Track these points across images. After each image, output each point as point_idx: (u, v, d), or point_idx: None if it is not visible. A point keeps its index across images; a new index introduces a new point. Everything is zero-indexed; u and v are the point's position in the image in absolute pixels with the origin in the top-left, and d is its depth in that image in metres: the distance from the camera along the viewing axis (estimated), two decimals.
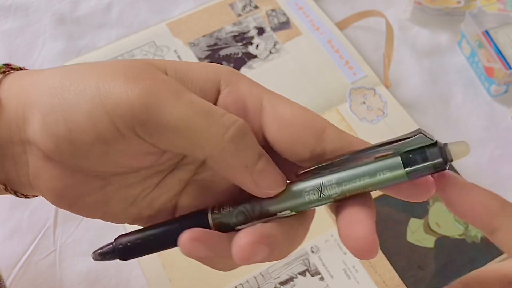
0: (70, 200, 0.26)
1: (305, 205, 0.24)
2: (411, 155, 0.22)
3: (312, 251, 0.42)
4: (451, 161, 0.22)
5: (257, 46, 0.56)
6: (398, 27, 0.57)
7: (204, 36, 0.57)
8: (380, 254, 0.42)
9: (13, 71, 0.27)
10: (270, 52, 0.55)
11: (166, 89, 0.23)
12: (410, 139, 0.22)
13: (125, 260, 0.26)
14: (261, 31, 0.57)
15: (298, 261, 0.42)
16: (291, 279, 0.41)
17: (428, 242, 0.43)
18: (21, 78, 0.26)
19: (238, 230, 0.24)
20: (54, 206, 0.45)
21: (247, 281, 0.41)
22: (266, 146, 0.25)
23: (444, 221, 0.43)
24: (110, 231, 0.45)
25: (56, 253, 0.44)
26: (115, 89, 0.22)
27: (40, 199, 0.46)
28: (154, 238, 0.26)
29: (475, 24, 0.51)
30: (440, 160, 0.22)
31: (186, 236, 0.23)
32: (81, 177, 0.25)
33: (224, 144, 0.23)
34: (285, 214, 0.24)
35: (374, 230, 0.23)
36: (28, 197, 0.28)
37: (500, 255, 0.42)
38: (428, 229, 0.43)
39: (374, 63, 0.54)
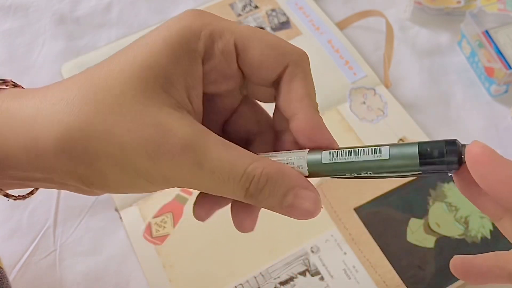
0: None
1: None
2: (428, 149, 0.23)
3: (312, 251, 0.42)
4: (465, 162, 0.23)
5: None
6: (398, 27, 0.57)
7: None
8: (380, 254, 0.42)
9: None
10: None
11: (187, 161, 0.24)
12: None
13: None
14: None
15: (298, 261, 0.42)
16: (291, 279, 0.41)
17: (428, 242, 0.43)
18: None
19: None
20: (54, 206, 0.46)
21: (247, 281, 0.41)
22: None
23: (444, 221, 0.43)
24: (110, 231, 0.45)
25: (56, 253, 0.44)
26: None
27: (40, 198, 0.46)
28: None
29: (475, 24, 0.51)
30: (454, 159, 0.22)
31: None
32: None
33: (247, 200, 0.25)
34: None
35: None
36: (25, 197, 0.29)
37: None
38: (428, 229, 0.43)
39: (374, 63, 0.54)
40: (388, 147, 0.24)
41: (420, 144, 0.23)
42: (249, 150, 0.26)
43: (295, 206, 0.25)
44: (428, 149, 0.23)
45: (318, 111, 0.27)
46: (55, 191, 0.46)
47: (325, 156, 0.25)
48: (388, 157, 0.23)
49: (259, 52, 0.26)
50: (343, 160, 0.25)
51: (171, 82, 0.24)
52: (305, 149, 0.26)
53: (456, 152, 0.22)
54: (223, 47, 0.26)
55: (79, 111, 0.23)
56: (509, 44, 0.50)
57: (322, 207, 0.25)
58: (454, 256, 0.26)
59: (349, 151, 0.25)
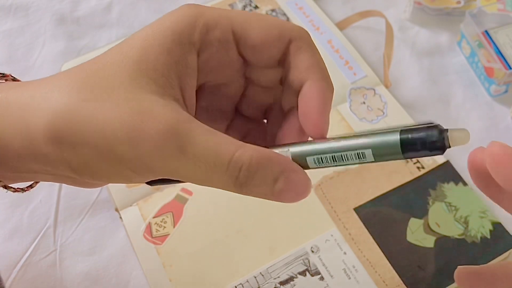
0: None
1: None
2: (410, 135, 0.22)
3: (312, 251, 0.42)
4: (449, 147, 0.22)
5: None
6: (398, 27, 0.57)
7: None
8: (380, 254, 0.42)
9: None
10: None
11: (168, 146, 0.23)
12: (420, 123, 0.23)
13: (151, 185, 0.28)
14: None
15: (298, 261, 0.42)
16: (291, 279, 0.41)
17: (428, 242, 0.43)
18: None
19: None
20: (54, 206, 0.46)
21: (247, 281, 0.41)
22: None
23: (444, 221, 0.43)
24: (110, 231, 0.45)
25: (56, 253, 0.44)
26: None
27: (40, 198, 0.46)
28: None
29: (475, 24, 0.51)
30: (437, 144, 0.22)
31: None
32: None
33: (237, 189, 0.24)
34: None
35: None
36: (25, 190, 0.29)
37: (500, 254, 0.42)
38: (428, 229, 0.43)
39: (374, 63, 0.55)
40: (370, 149, 0.23)
41: (402, 135, 0.23)
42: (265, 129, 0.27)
43: (287, 190, 0.24)
44: (410, 137, 0.22)
45: (329, 78, 0.26)
46: (55, 191, 0.46)
47: (310, 161, 0.25)
48: (372, 159, 0.23)
49: (259, 33, 0.26)
50: (328, 165, 0.24)
51: (161, 72, 0.24)
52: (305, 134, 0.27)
53: (438, 137, 0.22)
54: (220, 36, 0.26)
55: (68, 98, 0.24)
56: (508, 44, 0.50)
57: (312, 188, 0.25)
58: (459, 267, 0.25)
59: (333, 157, 0.24)
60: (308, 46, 0.26)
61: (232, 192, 0.26)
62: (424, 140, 0.22)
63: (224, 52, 0.26)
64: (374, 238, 0.43)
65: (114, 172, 0.24)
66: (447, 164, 0.46)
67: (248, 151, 0.23)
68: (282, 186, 0.24)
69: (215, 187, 0.24)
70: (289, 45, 0.26)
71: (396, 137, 0.23)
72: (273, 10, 0.58)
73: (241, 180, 0.23)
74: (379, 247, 0.42)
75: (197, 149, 0.23)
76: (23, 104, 0.25)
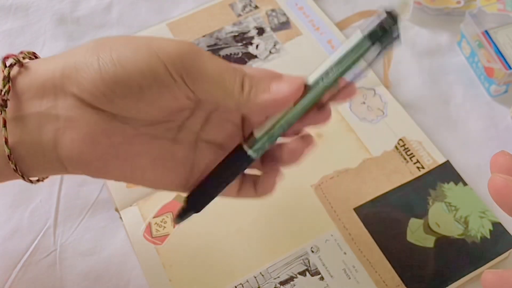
0: (103, 149, 0.29)
1: (321, 93, 0.30)
2: (370, 28, 0.28)
3: (312, 251, 0.42)
4: (398, 15, 0.27)
5: (257, 46, 0.56)
6: None
7: (204, 36, 0.57)
8: (380, 254, 0.42)
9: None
10: (270, 52, 0.55)
11: (203, 50, 0.29)
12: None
13: (199, 211, 0.34)
14: (261, 31, 0.57)
15: (298, 261, 0.42)
16: (291, 279, 0.41)
17: (428, 242, 0.43)
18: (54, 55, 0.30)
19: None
20: (54, 206, 0.46)
21: (247, 281, 0.41)
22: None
23: (444, 221, 0.43)
24: (110, 231, 0.45)
25: (56, 253, 0.44)
26: (165, 45, 0.28)
27: (40, 198, 0.46)
28: (215, 182, 0.34)
29: (475, 24, 0.51)
30: (390, 21, 0.27)
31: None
32: (117, 123, 0.29)
33: (245, 96, 0.29)
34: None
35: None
36: (32, 182, 0.31)
37: (500, 254, 0.42)
38: (428, 229, 0.43)
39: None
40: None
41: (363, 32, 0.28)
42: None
43: (282, 81, 0.29)
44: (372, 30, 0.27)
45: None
46: (55, 191, 0.46)
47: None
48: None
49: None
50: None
51: None
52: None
53: (389, 16, 0.27)
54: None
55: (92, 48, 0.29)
56: (508, 44, 0.50)
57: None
58: (485, 271, 0.25)
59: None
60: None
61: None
62: (382, 24, 0.27)
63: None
64: (374, 238, 0.43)
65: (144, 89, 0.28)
66: (447, 164, 0.46)
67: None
68: (277, 82, 0.29)
69: (230, 90, 0.29)
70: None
71: (360, 35, 0.28)
72: (273, 10, 0.58)
73: (248, 89, 0.29)
74: (379, 247, 0.42)
75: (215, 62, 0.29)
76: (58, 57, 0.29)
